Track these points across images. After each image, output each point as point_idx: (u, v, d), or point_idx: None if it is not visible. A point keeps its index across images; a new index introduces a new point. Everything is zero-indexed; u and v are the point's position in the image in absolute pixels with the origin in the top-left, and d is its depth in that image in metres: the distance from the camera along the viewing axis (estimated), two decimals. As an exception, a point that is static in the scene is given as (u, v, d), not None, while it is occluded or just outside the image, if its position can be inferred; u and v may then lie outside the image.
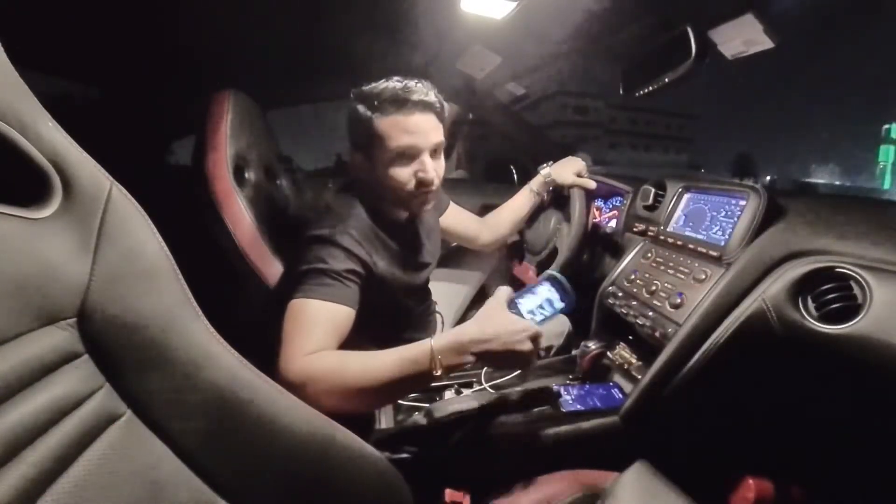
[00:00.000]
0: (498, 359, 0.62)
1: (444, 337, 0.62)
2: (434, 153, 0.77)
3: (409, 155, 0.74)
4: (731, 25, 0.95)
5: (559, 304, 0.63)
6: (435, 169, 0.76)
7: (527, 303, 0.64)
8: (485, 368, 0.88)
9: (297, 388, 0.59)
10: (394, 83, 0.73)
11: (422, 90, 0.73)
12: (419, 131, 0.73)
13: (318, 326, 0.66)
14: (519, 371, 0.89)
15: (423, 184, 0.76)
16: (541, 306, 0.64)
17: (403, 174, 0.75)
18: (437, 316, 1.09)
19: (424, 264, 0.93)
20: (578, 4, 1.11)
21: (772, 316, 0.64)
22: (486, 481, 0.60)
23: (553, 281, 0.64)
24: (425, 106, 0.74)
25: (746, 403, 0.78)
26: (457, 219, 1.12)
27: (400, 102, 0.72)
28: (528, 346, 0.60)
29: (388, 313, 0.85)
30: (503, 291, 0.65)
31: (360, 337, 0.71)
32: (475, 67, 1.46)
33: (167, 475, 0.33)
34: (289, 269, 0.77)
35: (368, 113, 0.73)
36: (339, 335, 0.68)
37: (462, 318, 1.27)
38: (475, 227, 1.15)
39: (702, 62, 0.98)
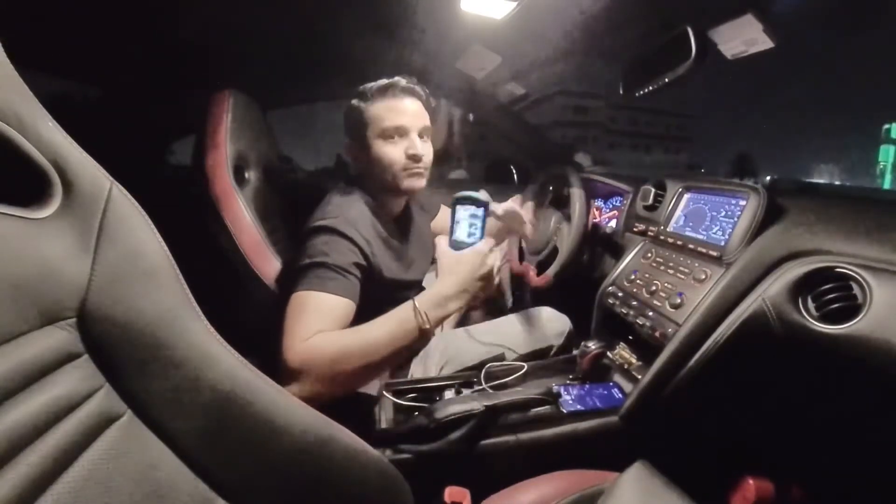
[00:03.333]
0: (476, 291, 0.69)
1: (424, 294, 0.69)
2: (422, 136, 0.84)
3: (399, 133, 0.81)
4: (731, 25, 0.95)
5: (480, 212, 0.70)
6: (423, 150, 0.83)
7: (460, 233, 0.70)
8: (484, 369, 0.88)
9: (298, 372, 0.62)
10: (382, 78, 0.82)
11: (407, 79, 0.82)
12: (407, 113, 0.81)
13: (318, 316, 0.68)
14: (519, 374, 0.89)
15: (413, 159, 0.82)
16: (471, 225, 0.70)
17: (394, 152, 0.81)
18: None
19: (418, 262, 0.95)
20: (579, 4, 1.11)
21: (772, 316, 0.64)
22: (486, 481, 0.60)
23: (458, 201, 0.71)
24: (411, 92, 0.82)
25: (746, 403, 0.77)
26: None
27: (388, 89, 0.81)
28: (491, 260, 0.70)
29: (385, 307, 0.86)
30: (440, 242, 0.73)
31: (373, 301, 0.73)
32: (475, 67, 1.46)
33: (167, 475, 0.33)
34: (291, 261, 0.79)
35: (361, 103, 0.82)
36: (339, 327, 0.69)
37: (461, 317, 1.27)
38: None
39: (702, 62, 0.98)
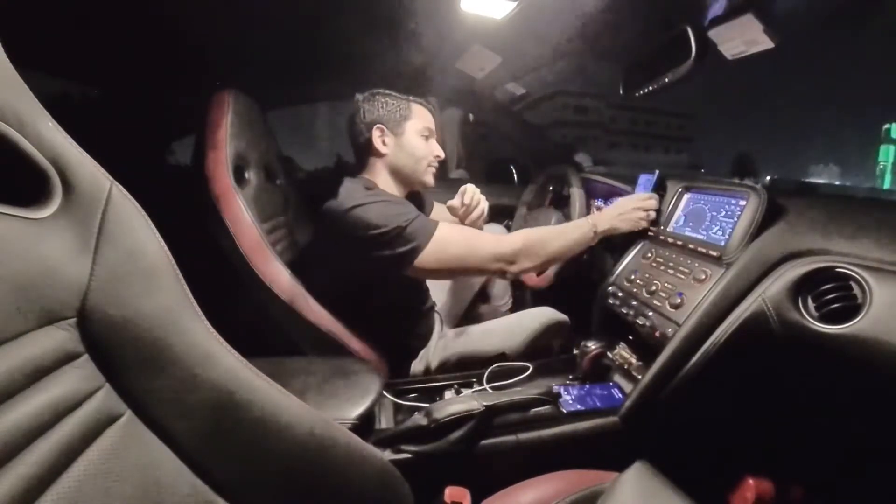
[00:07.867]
0: (632, 220, 0.98)
1: (596, 215, 0.98)
2: None
3: (430, 134, 1.00)
4: (731, 25, 0.95)
5: (652, 180, 1.03)
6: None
7: (639, 187, 1.07)
8: (487, 369, 0.88)
9: (516, 254, 0.88)
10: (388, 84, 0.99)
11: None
12: (434, 123, 1.01)
13: (475, 233, 0.91)
14: (524, 375, 0.89)
15: (437, 157, 1.01)
16: (645, 186, 1.05)
17: (427, 148, 0.99)
18: (436, 315, 1.10)
19: None
20: (579, 4, 1.11)
21: (772, 316, 0.64)
22: (486, 481, 0.60)
23: (647, 174, 1.07)
24: (434, 111, 1.03)
25: (746, 403, 0.77)
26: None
27: (427, 103, 1.01)
28: (639, 213, 0.98)
29: (401, 285, 0.96)
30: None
31: (378, 301, 0.91)
32: (475, 67, 1.46)
33: (167, 475, 0.33)
34: (360, 240, 0.83)
35: (406, 101, 0.98)
36: None
37: (463, 316, 1.27)
38: None
39: (702, 62, 0.98)
